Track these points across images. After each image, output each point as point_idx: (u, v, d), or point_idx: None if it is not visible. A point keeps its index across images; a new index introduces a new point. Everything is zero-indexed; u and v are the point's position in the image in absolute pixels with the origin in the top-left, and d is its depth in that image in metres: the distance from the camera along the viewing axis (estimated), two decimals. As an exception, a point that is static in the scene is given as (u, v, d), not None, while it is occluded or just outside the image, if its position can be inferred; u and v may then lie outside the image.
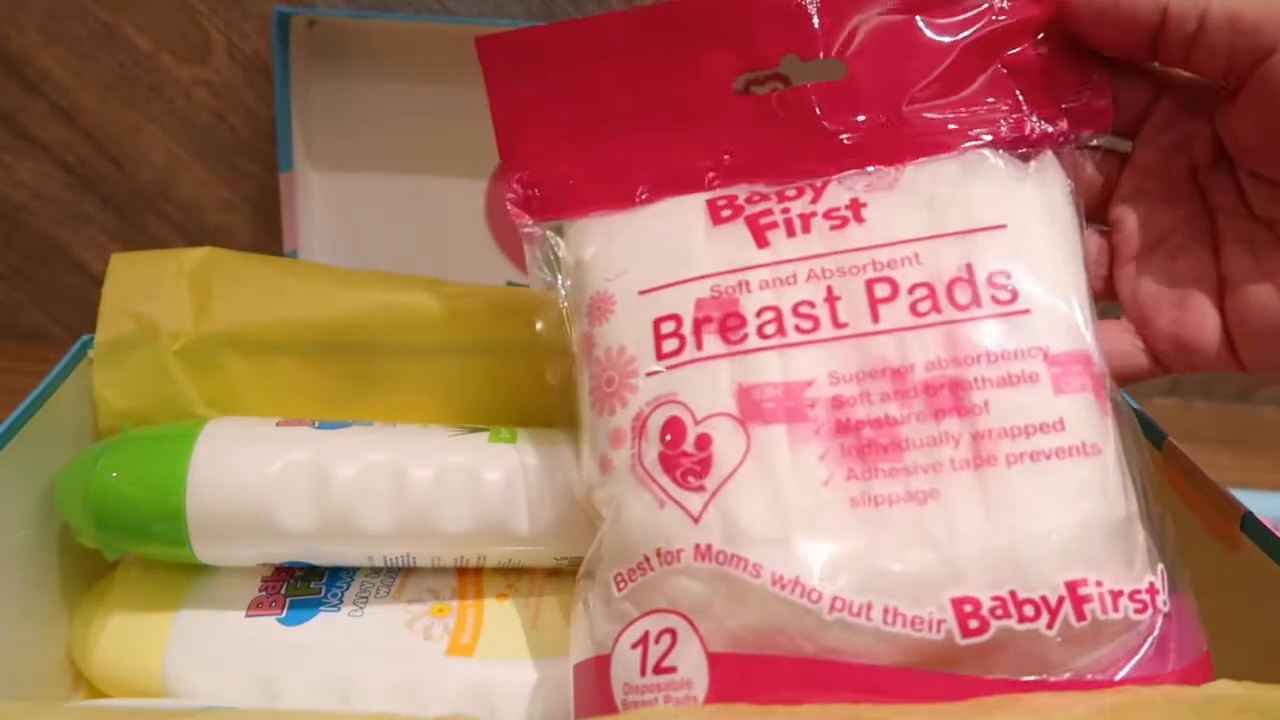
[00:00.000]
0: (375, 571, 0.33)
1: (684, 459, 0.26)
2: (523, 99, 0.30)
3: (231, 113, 0.50)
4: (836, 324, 0.26)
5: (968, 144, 0.28)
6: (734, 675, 0.24)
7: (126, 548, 0.31)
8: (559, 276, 0.30)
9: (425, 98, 0.49)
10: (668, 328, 0.27)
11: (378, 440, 0.32)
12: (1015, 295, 0.26)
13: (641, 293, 0.28)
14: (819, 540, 0.24)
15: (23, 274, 0.53)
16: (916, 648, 0.23)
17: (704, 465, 0.25)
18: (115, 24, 0.48)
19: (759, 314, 0.26)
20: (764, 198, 0.28)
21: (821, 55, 0.29)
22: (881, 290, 0.26)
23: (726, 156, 0.30)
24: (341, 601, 0.32)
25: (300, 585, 0.32)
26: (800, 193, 0.28)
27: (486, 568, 0.34)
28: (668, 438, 0.26)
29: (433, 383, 0.35)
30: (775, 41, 0.29)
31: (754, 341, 0.26)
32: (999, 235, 0.26)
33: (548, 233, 0.30)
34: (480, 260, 0.52)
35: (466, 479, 0.31)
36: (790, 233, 0.27)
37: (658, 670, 0.24)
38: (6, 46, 0.48)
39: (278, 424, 0.32)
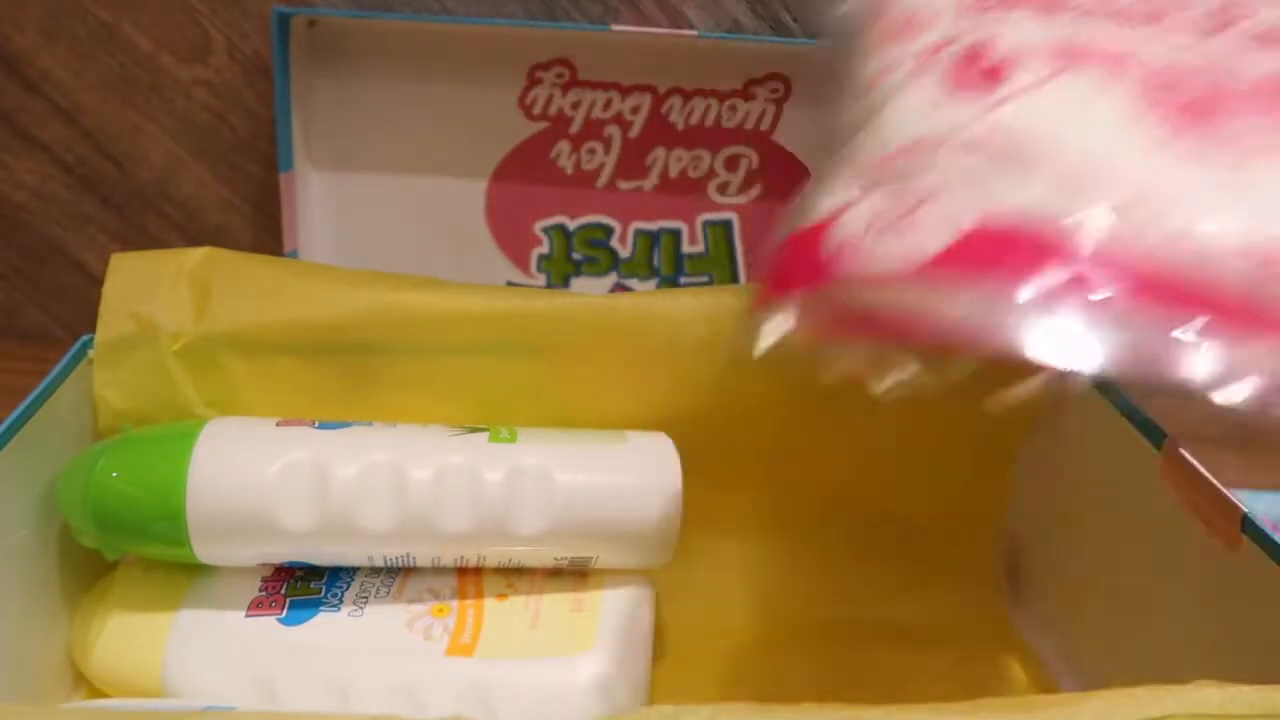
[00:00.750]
0: (375, 571, 0.33)
1: (979, 70, 0.23)
2: None
3: (231, 113, 0.50)
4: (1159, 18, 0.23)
5: None
6: (979, 247, 0.20)
7: (126, 548, 0.31)
8: None
9: (425, 98, 0.49)
10: None
11: (378, 440, 0.32)
12: None
13: None
14: (1119, 175, 0.21)
15: (22, 274, 0.53)
16: None
17: (996, 75, 0.22)
18: (115, 24, 0.48)
19: None
20: None
21: None
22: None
23: None
24: (341, 601, 0.32)
25: (300, 585, 0.32)
26: None
27: (486, 568, 0.34)
28: (965, 56, 0.23)
29: (433, 383, 0.35)
30: None
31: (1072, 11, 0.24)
32: None
33: None
34: (480, 260, 0.52)
35: (466, 479, 0.31)
36: None
37: (896, 225, 0.21)
38: (6, 46, 0.48)
39: (278, 424, 0.32)
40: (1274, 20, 0.23)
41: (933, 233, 0.20)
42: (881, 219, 0.21)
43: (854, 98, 0.26)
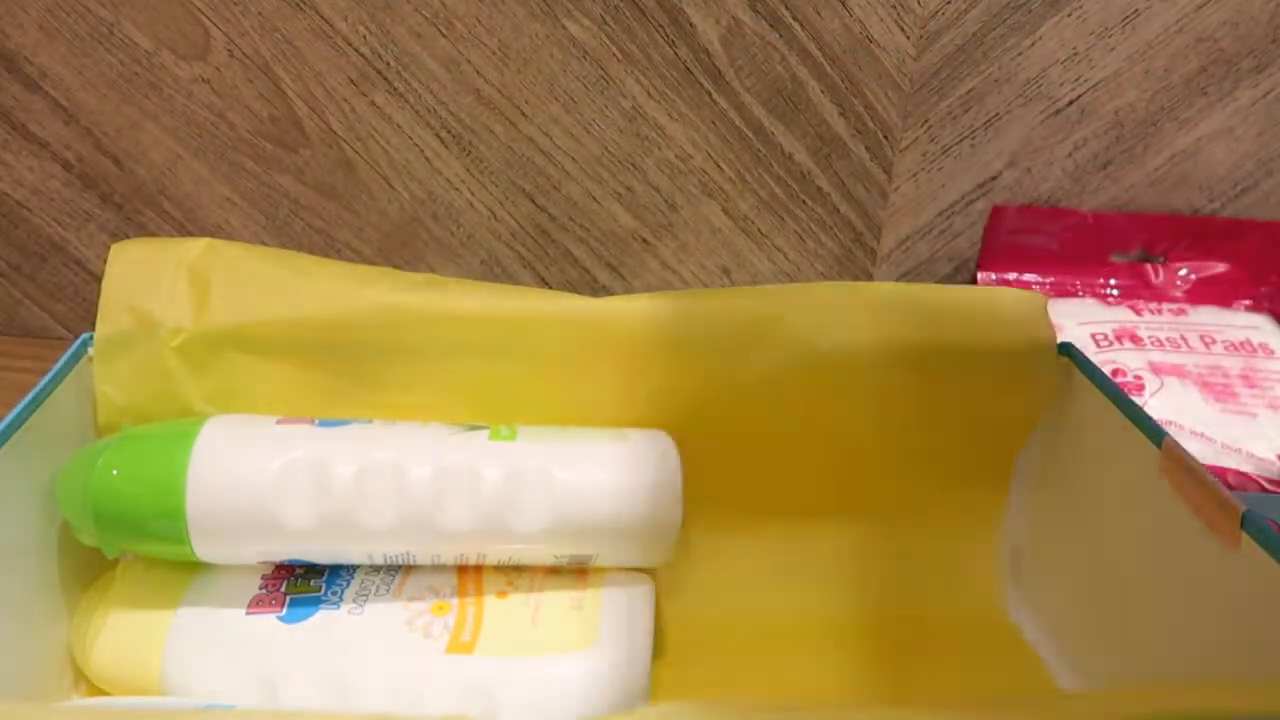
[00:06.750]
0: (375, 569, 0.33)
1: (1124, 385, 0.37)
2: None
3: (231, 110, 0.50)
4: None
5: None
6: None
7: (126, 546, 0.31)
8: None
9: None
10: None
11: (378, 438, 0.32)
12: None
13: None
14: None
15: (22, 272, 0.53)
16: None
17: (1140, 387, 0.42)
18: (115, 21, 0.48)
19: None
20: None
21: None
22: None
23: None
24: (341, 599, 0.32)
25: (300, 583, 0.32)
26: None
27: (486, 565, 0.34)
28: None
29: (433, 382, 0.35)
30: None
31: None
32: None
33: None
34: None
35: (466, 477, 0.31)
36: None
37: None
38: (6, 44, 0.48)
39: (278, 422, 0.32)
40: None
41: None
42: None
43: None
